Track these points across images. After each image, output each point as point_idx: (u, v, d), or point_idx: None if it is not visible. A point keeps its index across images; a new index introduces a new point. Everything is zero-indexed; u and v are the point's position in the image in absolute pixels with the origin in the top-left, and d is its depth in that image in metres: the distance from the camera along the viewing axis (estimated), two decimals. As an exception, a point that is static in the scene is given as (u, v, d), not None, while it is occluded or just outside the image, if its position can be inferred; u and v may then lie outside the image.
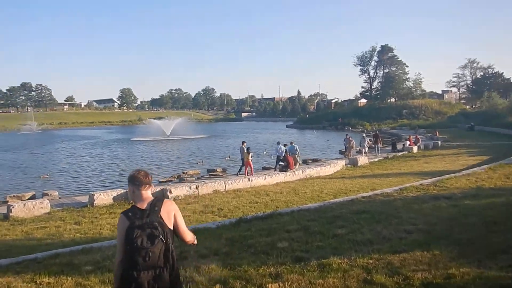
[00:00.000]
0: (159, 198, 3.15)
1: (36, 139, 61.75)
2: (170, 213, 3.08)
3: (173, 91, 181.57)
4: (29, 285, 5.12)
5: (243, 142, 20.69)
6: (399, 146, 30.62)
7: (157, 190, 13.70)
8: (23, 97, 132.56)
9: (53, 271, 5.59)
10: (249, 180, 15.90)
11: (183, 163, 28.35)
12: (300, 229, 7.67)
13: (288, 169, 18.51)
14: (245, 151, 19.70)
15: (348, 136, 27.87)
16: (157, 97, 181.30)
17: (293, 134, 61.91)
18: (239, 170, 20.51)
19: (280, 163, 19.90)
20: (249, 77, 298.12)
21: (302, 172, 18.23)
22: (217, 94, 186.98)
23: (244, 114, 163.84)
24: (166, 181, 20.03)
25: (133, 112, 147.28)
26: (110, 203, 12.96)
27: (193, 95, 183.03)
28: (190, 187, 14.11)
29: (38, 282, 5.22)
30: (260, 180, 16.25)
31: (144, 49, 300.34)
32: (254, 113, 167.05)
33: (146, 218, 2.91)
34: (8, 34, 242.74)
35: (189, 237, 3.25)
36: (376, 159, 24.88)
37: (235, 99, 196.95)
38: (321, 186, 15.42)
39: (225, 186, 14.96)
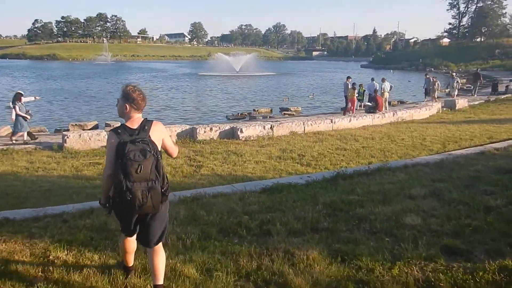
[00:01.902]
0: (149, 119, 3.12)
1: (110, 69, 62.69)
2: (158, 134, 3.08)
3: (243, 27, 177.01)
4: (34, 264, 3.36)
5: (348, 78, 17.92)
6: (501, 88, 26.16)
7: (226, 128, 11.82)
8: (99, 28, 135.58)
9: (79, 240, 3.81)
10: (331, 122, 13.48)
11: (253, 100, 26.35)
12: (428, 194, 5.33)
13: (377, 111, 15.77)
14: (350, 87, 17.14)
15: (429, 76, 23.46)
16: (227, 32, 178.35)
17: (370, 74, 57.21)
18: (345, 108, 17.71)
19: (367, 103, 17.12)
20: (322, 14, 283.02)
21: (393, 114, 15.40)
22: (288, 32, 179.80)
23: (315, 53, 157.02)
24: (234, 118, 18.20)
25: (203, 47, 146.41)
26: (173, 140, 11.29)
27: (263, 32, 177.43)
28: (264, 127, 12.03)
29: (50, 258, 3.46)
30: (344, 123, 13.78)
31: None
32: (325, 52, 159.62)
33: (137, 136, 2.95)
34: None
35: (175, 154, 3.36)
36: (476, 102, 21.21)
37: (306, 37, 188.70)
38: (420, 132, 12.71)
39: (304, 127, 12.72)
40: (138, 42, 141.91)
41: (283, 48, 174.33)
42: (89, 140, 10.27)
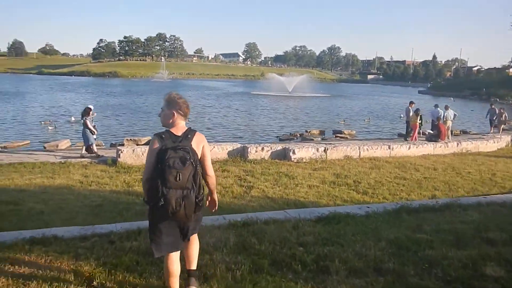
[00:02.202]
0: (192, 129, 3.15)
1: (166, 86, 64.84)
2: (200, 144, 3.09)
3: (297, 48, 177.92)
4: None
5: (411, 103, 17.07)
6: None
7: (278, 148, 11.52)
8: (158, 47, 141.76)
9: (124, 264, 3.59)
10: (389, 148, 12.80)
11: (305, 121, 25.98)
12: (510, 241, 4.66)
13: (439, 139, 14.85)
14: (412, 112, 16.32)
15: (494, 107, 21.72)
16: (281, 53, 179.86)
17: (428, 100, 55.08)
18: (406, 135, 16.96)
19: (429, 130, 16.20)
20: (379, 38, 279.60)
21: (457, 145, 14.41)
22: (343, 54, 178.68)
23: (370, 77, 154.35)
24: (286, 139, 17.88)
25: (256, 67, 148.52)
26: (224, 158, 11.14)
27: (317, 53, 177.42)
28: (317, 149, 11.61)
29: (94, 284, 3.25)
30: (402, 150, 13.04)
31: (271, 4, 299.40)
32: (381, 76, 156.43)
33: (179, 143, 2.96)
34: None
35: (211, 171, 3.24)
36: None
37: (361, 60, 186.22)
38: (488, 166, 11.72)
39: (359, 151, 12.15)
40: (194, 61, 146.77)
41: (337, 70, 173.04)
42: (142, 155, 10.31)
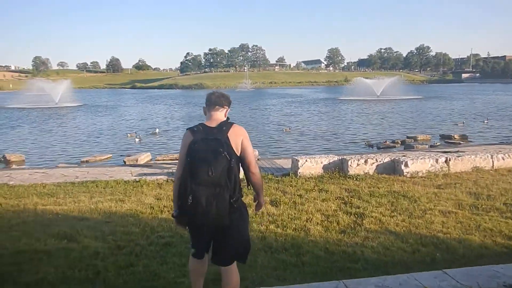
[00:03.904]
0: (230, 121, 2.83)
1: (249, 95, 64.68)
2: (238, 137, 2.73)
3: (382, 50, 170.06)
4: None
5: None
6: None
7: (385, 160, 9.36)
8: (241, 58, 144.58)
9: None
10: (530, 156, 9.97)
11: (402, 125, 23.12)
12: None
13: None
14: None
15: None
16: (365, 57, 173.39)
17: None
18: None
19: None
20: (472, 34, 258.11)
21: None
22: (432, 53, 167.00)
23: (464, 75, 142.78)
24: (386, 147, 15.51)
25: (339, 72, 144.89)
26: (319, 173, 9.27)
27: (404, 55, 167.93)
28: (437, 160, 9.24)
29: None
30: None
31: (351, 7, 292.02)
32: (477, 74, 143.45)
33: (212, 135, 2.65)
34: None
35: (255, 168, 2.82)
36: None
37: (453, 59, 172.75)
38: None
39: (492, 161, 9.53)
40: (276, 70, 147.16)
41: (427, 71, 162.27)
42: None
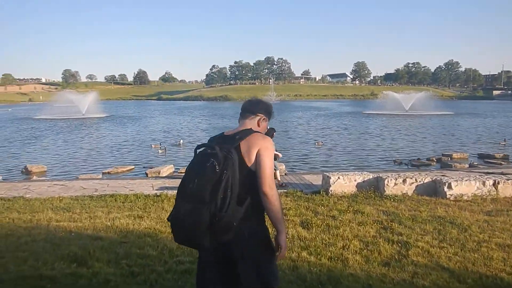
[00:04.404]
0: (252, 130, 2.32)
1: (274, 108, 63.91)
2: (253, 148, 2.20)
3: (410, 65, 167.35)
4: None
5: None
6: None
7: (426, 180, 8.60)
8: (266, 70, 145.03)
9: None
10: None
11: (435, 142, 22.08)
12: None
13: None
14: None
15: None
16: (392, 71, 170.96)
17: None
18: None
19: None
20: (504, 49, 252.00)
21: None
22: (462, 69, 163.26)
23: (495, 92, 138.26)
24: (420, 165, 14.64)
25: (366, 86, 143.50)
26: (353, 191, 8.59)
27: (432, 70, 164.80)
28: (484, 183, 8.40)
29: None
30: None
31: (378, 21, 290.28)
32: (509, 91, 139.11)
33: (221, 143, 2.21)
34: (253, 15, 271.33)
35: (268, 188, 2.17)
36: None
37: (483, 75, 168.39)
38: None
39: (546, 185, 8.63)
40: (301, 83, 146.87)
41: (456, 87, 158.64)
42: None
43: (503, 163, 14.75)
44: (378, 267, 4.62)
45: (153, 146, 20.68)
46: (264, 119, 2.47)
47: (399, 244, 5.36)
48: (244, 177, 2.16)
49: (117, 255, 4.95)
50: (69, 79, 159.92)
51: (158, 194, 8.43)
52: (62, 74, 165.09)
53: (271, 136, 9.88)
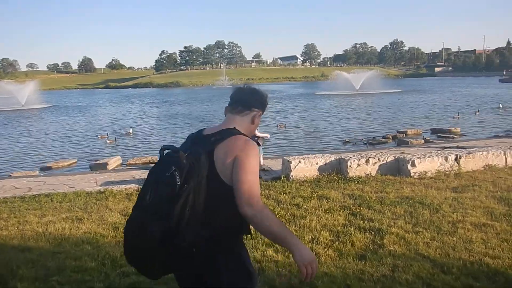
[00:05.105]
0: (233, 130, 1.86)
1: (227, 93, 62.84)
2: (229, 154, 1.77)
3: (358, 46, 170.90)
4: None
5: None
6: None
7: (389, 159, 8.26)
8: (217, 55, 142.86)
9: None
10: (542, 150, 9.04)
11: (388, 120, 22.23)
12: None
13: None
14: None
15: None
16: (340, 52, 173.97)
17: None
18: None
19: None
20: (444, 29, 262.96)
21: None
22: (406, 48, 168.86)
23: (437, 69, 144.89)
24: (377, 143, 14.50)
25: (316, 68, 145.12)
26: (315, 175, 8.10)
27: (379, 50, 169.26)
28: (446, 158, 8.18)
29: None
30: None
31: (326, 3, 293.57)
32: (449, 68, 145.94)
33: (192, 145, 1.83)
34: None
35: (247, 206, 1.71)
36: None
37: (426, 53, 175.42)
38: None
39: (505, 158, 8.55)
40: (252, 66, 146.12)
41: (400, 65, 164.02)
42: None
43: (455, 136, 14.93)
44: (354, 262, 4.11)
45: (99, 137, 19.35)
46: (260, 114, 2.04)
47: (372, 232, 4.89)
48: (214, 191, 1.76)
49: (48, 270, 4.13)
50: (7, 69, 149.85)
51: (102, 190, 7.52)
52: (0, 63, 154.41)
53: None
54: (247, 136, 1.90)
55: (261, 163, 9.27)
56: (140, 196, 1.81)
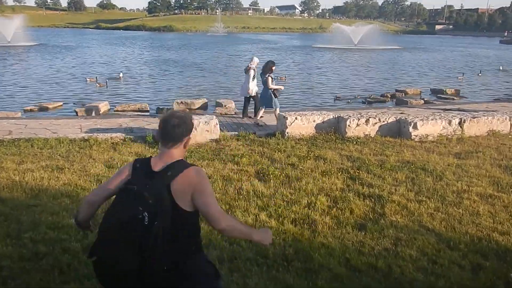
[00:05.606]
0: (183, 164, 2.01)
1: (222, 40, 61.44)
2: (187, 189, 1.94)
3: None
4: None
5: None
6: None
7: (390, 120, 7.89)
8: (213, 0, 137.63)
9: None
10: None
11: (387, 78, 21.66)
12: None
13: None
14: None
15: None
16: (340, 4, 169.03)
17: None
18: None
19: None
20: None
21: None
22: (407, 3, 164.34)
23: (438, 27, 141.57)
24: (375, 101, 14.06)
25: (314, 19, 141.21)
26: (312, 134, 7.75)
27: (380, 3, 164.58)
28: (450, 122, 7.83)
29: None
30: None
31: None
32: (450, 26, 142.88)
33: (148, 181, 1.94)
34: None
35: (220, 223, 1.95)
36: None
37: (428, 9, 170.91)
38: None
39: (510, 124, 8.24)
40: (249, 14, 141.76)
41: (401, 21, 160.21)
42: (195, 131, 7.13)
43: (455, 98, 14.54)
44: (353, 232, 3.83)
45: (88, 80, 18.57)
46: (189, 138, 2.11)
47: (372, 199, 4.59)
48: (176, 217, 1.91)
49: (20, 225, 3.78)
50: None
51: (86, 138, 7.10)
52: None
53: (270, 70, 9.19)
54: (191, 164, 2.05)
55: (277, 114, 8.79)
56: (105, 218, 1.93)
